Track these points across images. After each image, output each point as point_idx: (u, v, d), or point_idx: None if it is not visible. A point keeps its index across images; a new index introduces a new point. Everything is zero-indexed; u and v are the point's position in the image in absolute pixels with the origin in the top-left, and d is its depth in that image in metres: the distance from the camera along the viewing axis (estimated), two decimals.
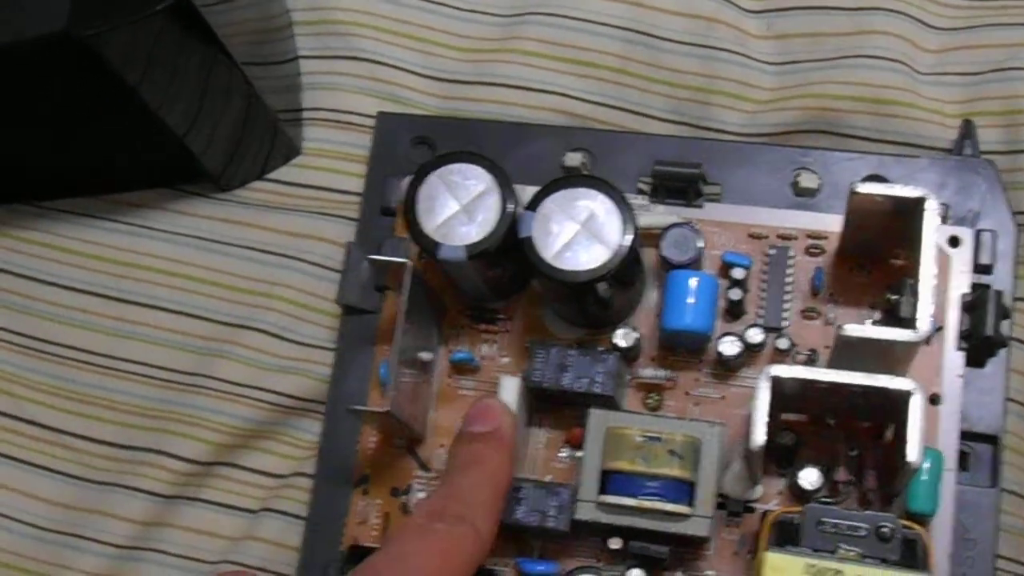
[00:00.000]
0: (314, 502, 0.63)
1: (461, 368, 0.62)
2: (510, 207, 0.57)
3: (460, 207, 0.57)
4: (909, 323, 0.53)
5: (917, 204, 0.54)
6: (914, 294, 0.54)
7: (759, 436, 0.52)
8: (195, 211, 0.69)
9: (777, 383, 0.53)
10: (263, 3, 0.68)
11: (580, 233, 0.56)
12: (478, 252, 0.57)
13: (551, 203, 0.57)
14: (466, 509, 0.55)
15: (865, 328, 0.53)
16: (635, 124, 0.68)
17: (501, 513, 0.57)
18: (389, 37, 0.70)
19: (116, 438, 0.67)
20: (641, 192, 0.63)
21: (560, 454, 0.61)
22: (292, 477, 0.66)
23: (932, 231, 0.54)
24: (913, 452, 0.51)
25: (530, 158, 0.64)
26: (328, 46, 0.70)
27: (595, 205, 0.56)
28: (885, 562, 0.53)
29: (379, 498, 0.62)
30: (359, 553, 0.60)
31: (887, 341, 0.53)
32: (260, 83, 0.66)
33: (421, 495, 0.62)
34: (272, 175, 0.70)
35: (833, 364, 0.57)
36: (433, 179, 0.58)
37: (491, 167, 0.58)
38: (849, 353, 0.55)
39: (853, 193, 0.55)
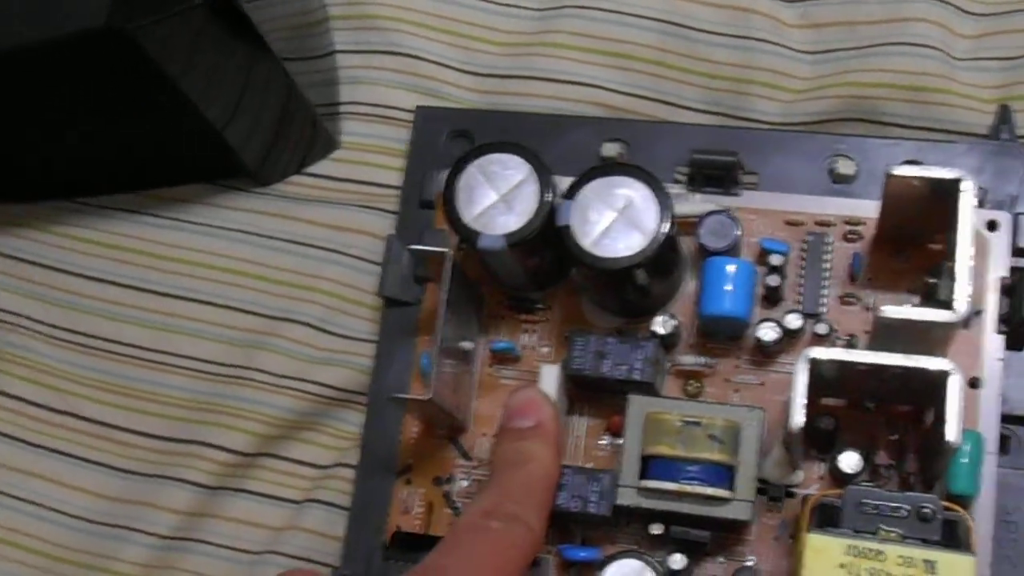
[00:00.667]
0: (357, 492, 0.63)
1: (502, 357, 0.63)
2: (548, 196, 0.57)
3: (499, 197, 0.58)
4: (947, 306, 0.53)
5: (953, 186, 0.54)
6: (952, 277, 0.54)
7: (798, 418, 0.53)
8: (235, 205, 0.70)
9: (816, 366, 0.53)
10: None
11: (618, 221, 0.56)
12: (517, 241, 0.57)
13: (589, 191, 0.57)
14: (519, 508, 0.56)
15: (903, 309, 0.53)
16: (672, 115, 0.68)
17: (551, 508, 0.58)
18: (426, 32, 0.70)
19: (161, 431, 0.68)
20: (678, 181, 0.63)
21: (600, 442, 0.61)
22: (335, 468, 0.66)
23: (969, 212, 0.54)
24: (952, 432, 0.52)
25: (567, 149, 0.64)
26: (366, 41, 0.71)
27: (632, 193, 0.57)
28: (927, 543, 0.53)
29: (422, 487, 0.62)
30: (403, 538, 0.60)
31: (925, 322, 0.53)
32: (299, 77, 0.67)
33: (464, 483, 0.62)
34: (311, 169, 0.70)
35: (873, 347, 0.56)
36: (471, 169, 0.58)
37: (529, 156, 0.58)
38: (888, 336, 0.55)
39: (889, 176, 0.55)
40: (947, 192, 0.55)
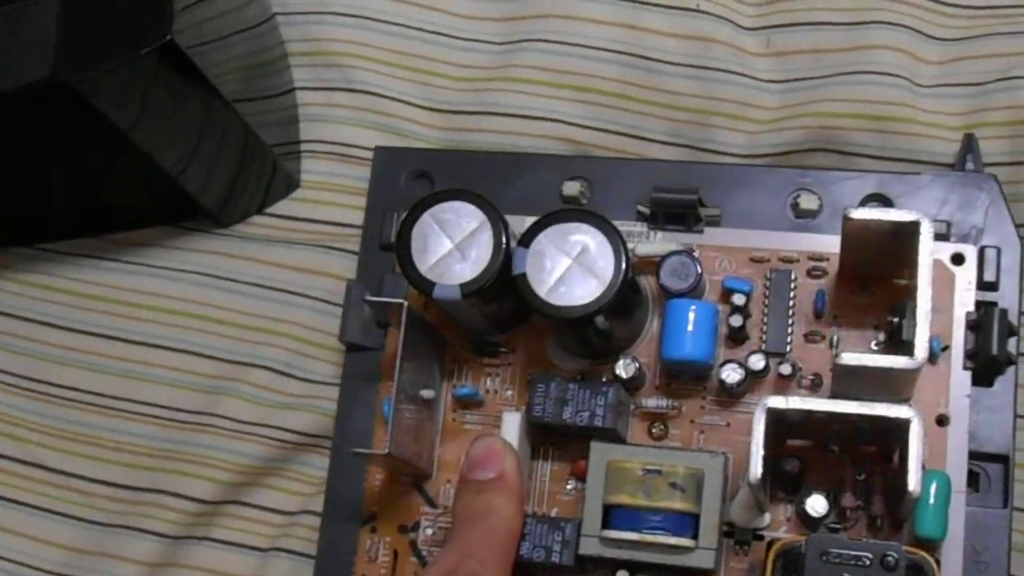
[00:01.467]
0: (323, 541, 0.62)
1: (465, 403, 0.62)
2: (503, 243, 0.56)
3: (453, 245, 0.57)
4: (909, 347, 0.53)
5: (912, 227, 0.53)
6: (914, 316, 0.53)
7: (756, 469, 0.52)
8: (196, 247, 0.69)
9: (776, 414, 0.53)
10: (256, 37, 0.68)
11: (573, 267, 0.56)
12: (472, 291, 0.56)
13: (544, 238, 0.56)
14: (479, 566, 0.55)
15: (862, 356, 0.52)
16: (636, 148, 0.67)
17: (513, 561, 0.57)
18: (386, 68, 0.70)
19: (123, 479, 0.67)
20: (641, 218, 0.62)
21: (567, 486, 0.61)
22: (300, 515, 0.65)
23: (928, 256, 0.53)
24: (913, 481, 0.51)
25: (529, 188, 0.63)
26: (325, 78, 0.70)
27: (587, 239, 0.56)
28: None
29: (387, 535, 0.62)
30: None
31: (886, 368, 0.52)
32: (255, 118, 0.66)
33: (429, 531, 0.61)
34: (272, 209, 0.70)
35: (836, 390, 0.56)
36: (426, 218, 0.57)
37: (483, 204, 0.57)
38: (850, 379, 0.54)
39: (847, 219, 0.54)
40: (907, 232, 0.54)
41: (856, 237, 0.56)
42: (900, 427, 0.52)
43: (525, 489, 0.59)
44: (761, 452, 0.52)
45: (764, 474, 0.52)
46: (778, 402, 0.52)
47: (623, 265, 0.56)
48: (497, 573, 0.55)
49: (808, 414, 0.53)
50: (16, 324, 0.70)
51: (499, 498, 0.57)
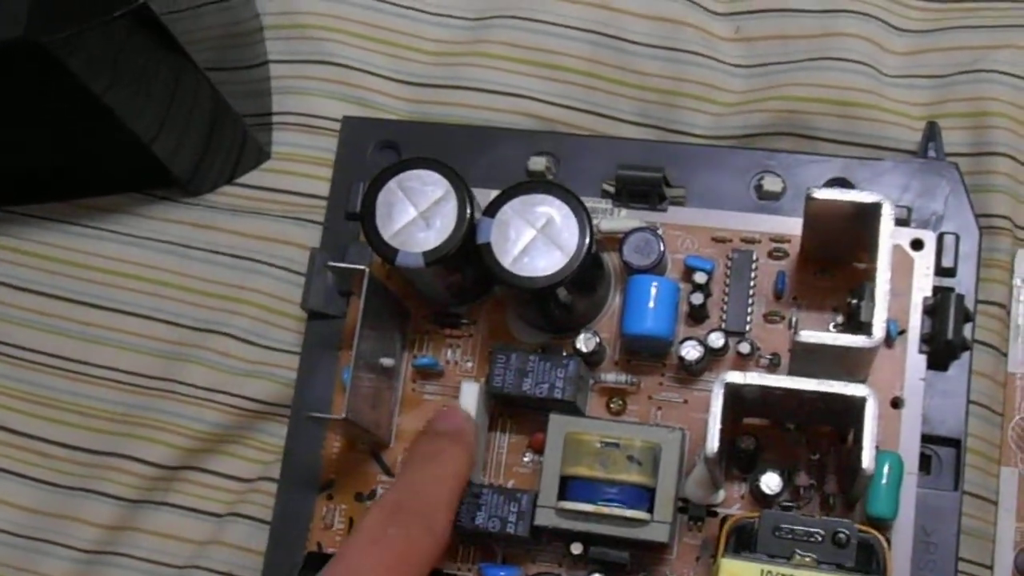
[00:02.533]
0: (278, 507, 0.62)
1: (425, 373, 0.62)
2: (467, 213, 0.57)
3: (418, 213, 0.57)
4: (868, 327, 0.53)
5: (874, 209, 0.54)
6: (873, 298, 0.53)
7: (713, 444, 0.52)
8: (164, 215, 0.69)
9: (733, 390, 0.53)
10: (231, 8, 0.68)
11: (538, 239, 0.56)
12: (436, 259, 0.57)
13: (509, 209, 0.57)
14: (423, 506, 0.55)
15: (821, 335, 0.53)
16: (603, 127, 0.68)
17: (456, 511, 0.57)
18: (358, 41, 0.70)
19: (83, 443, 0.68)
20: (606, 195, 0.63)
21: (524, 459, 0.61)
22: (258, 481, 0.66)
23: (888, 237, 0.53)
24: (867, 459, 0.51)
25: (495, 162, 0.64)
26: (297, 50, 0.70)
27: (553, 211, 0.56)
28: (841, 568, 0.53)
29: (344, 503, 0.62)
30: (316, 559, 0.60)
31: (843, 347, 0.53)
32: (227, 88, 0.66)
33: None
34: (242, 179, 0.70)
35: (794, 369, 0.56)
36: (391, 185, 0.58)
37: (448, 173, 0.57)
38: (809, 358, 0.54)
39: (810, 199, 0.55)
40: (868, 215, 0.54)
41: (818, 218, 0.56)
42: (855, 406, 0.53)
43: (479, 457, 0.60)
44: (718, 426, 0.52)
45: (720, 450, 0.53)
46: (736, 377, 0.53)
47: (587, 238, 0.56)
48: (440, 518, 0.55)
49: (765, 391, 0.54)
50: None
51: (453, 446, 0.58)
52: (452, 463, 0.57)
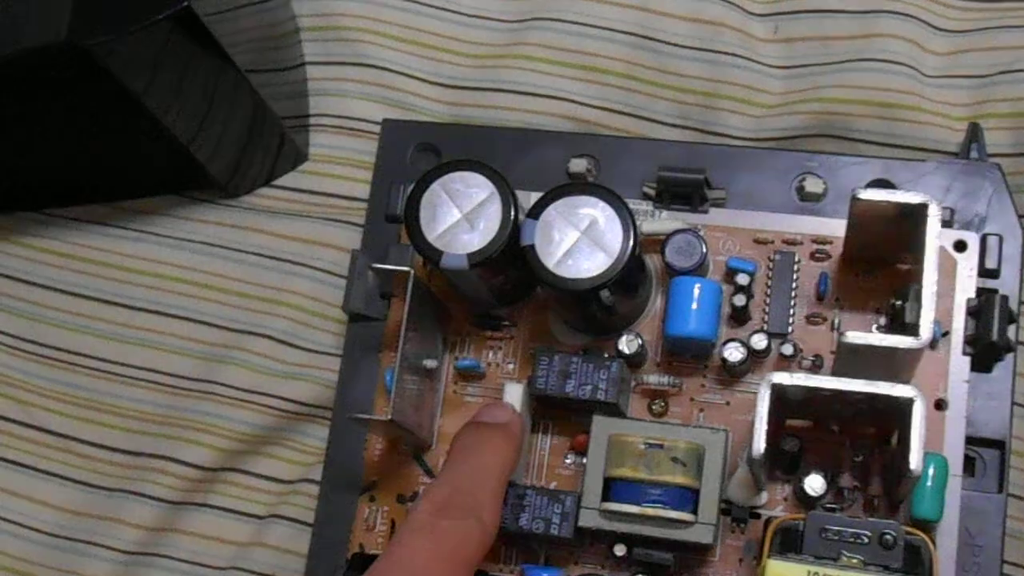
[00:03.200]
0: (320, 509, 0.62)
1: (467, 375, 0.62)
2: (511, 215, 0.57)
3: (462, 215, 0.57)
4: (913, 328, 0.53)
5: (920, 210, 0.54)
6: (918, 300, 0.53)
7: (760, 444, 0.52)
8: (203, 217, 0.70)
9: (779, 390, 0.53)
10: (269, 10, 0.68)
11: (582, 241, 0.56)
12: (480, 261, 0.57)
13: (553, 211, 0.56)
14: (471, 500, 0.54)
15: (867, 335, 0.53)
16: (642, 129, 0.68)
17: (501, 503, 0.57)
18: (395, 43, 0.70)
19: (124, 444, 0.68)
20: (647, 197, 0.63)
21: (566, 460, 0.61)
22: (299, 483, 0.66)
23: (935, 237, 0.53)
24: (915, 460, 0.51)
25: (535, 164, 0.64)
26: (335, 52, 0.70)
27: (596, 212, 0.56)
28: (888, 569, 0.53)
29: (385, 505, 0.62)
30: (361, 560, 0.60)
31: (890, 348, 0.53)
32: (266, 90, 0.66)
33: None
34: (279, 181, 0.70)
35: (837, 370, 0.56)
36: (435, 187, 0.58)
37: (493, 175, 0.57)
38: (853, 359, 0.54)
39: (855, 199, 0.55)
40: (914, 215, 0.54)
41: (862, 219, 0.56)
42: (902, 407, 0.52)
43: (524, 455, 0.60)
44: (765, 427, 0.52)
45: (765, 452, 0.53)
46: (783, 378, 0.53)
47: (631, 239, 0.56)
48: (487, 509, 0.55)
49: (810, 392, 0.53)
50: (22, 288, 0.70)
51: (498, 437, 0.57)
52: (499, 454, 0.57)
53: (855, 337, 0.52)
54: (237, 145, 0.67)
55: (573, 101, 0.68)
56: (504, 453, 0.57)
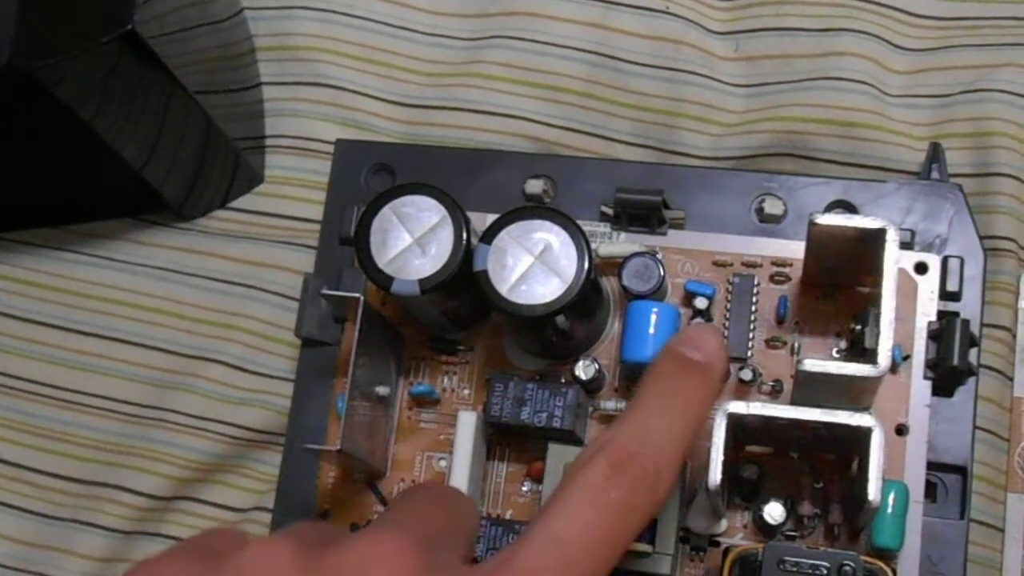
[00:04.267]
0: None
1: (421, 401, 0.61)
2: (463, 239, 0.56)
3: (413, 240, 0.56)
4: (872, 355, 0.52)
5: (879, 234, 0.53)
6: (877, 324, 0.53)
7: (716, 475, 0.51)
8: (156, 241, 0.69)
9: (736, 419, 0.52)
10: (223, 31, 0.67)
11: (536, 266, 0.55)
12: (432, 286, 0.56)
13: (506, 235, 0.56)
14: (652, 463, 0.47)
15: (825, 363, 0.52)
16: (601, 148, 0.67)
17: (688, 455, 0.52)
18: (351, 62, 0.69)
19: (75, 473, 0.67)
20: (605, 218, 0.62)
21: (522, 488, 0.60)
22: (252, 511, 0.65)
23: (893, 263, 0.53)
24: (873, 491, 0.50)
25: (492, 185, 0.63)
26: (290, 72, 0.69)
27: (551, 237, 0.55)
28: None
29: None
30: None
31: (848, 376, 0.52)
32: (218, 111, 0.65)
33: None
34: (235, 204, 0.69)
35: (797, 397, 0.55)
36: (386, 211, 0.57)
37: (444, 198, 0.56)
38: (812, 386, 0.54)
39: (813, 224, 0.54)
40: (873, 239, 0.53)
41: (821, 243, 0.55)
42: (861, 436, 0.52)
43: (481, 487, 0.59)
44: (721, 457, 0.51)
45: (723, 481, 0.52)
46: (739, 407, 0.52)
47: (586, 264, 0.55)
48: (669, 478, 0.48)
49: (768, 420, 0.53)
50: None
51: (697, 382, 0.50)
52: (694, 407, 0.50)
53: (813, 365, 0.52)
54: (190, 168, 0.66)
55: (531, 120, 0.67)
56: (700, 406, 0.50)
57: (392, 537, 0.43)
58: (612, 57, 0.67)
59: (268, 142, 0.69)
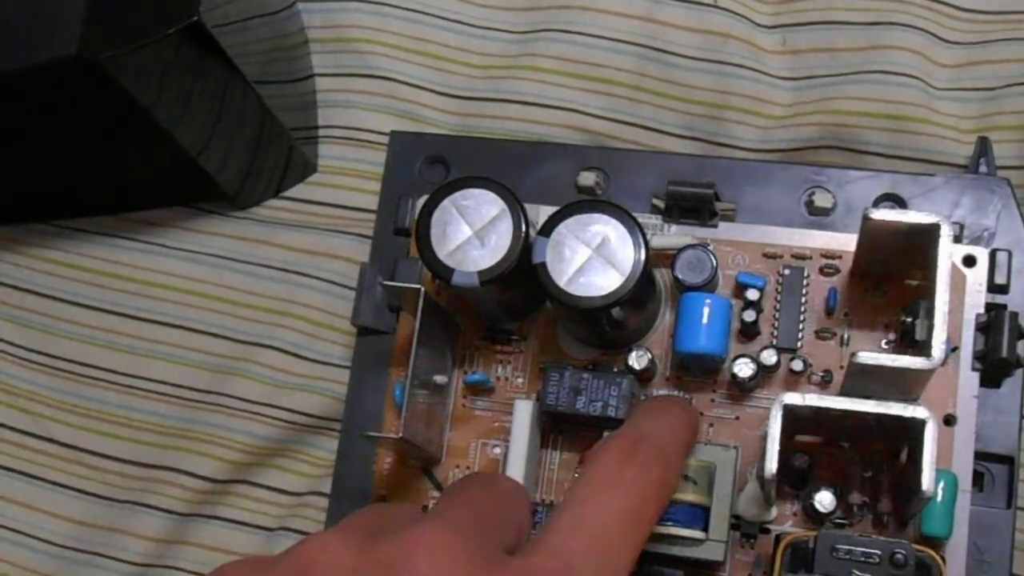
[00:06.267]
0: (330, 522, 0.62)
1: (476, 389, 0.62)
2: (522, 232, 0.57)
3: (472, 232, 0.57)
4: (923, 345, 0.53)
5: (932, 230, 0.54)
6: (928, 317, 0.53)
7: (771, 465, 0.52)
8: (211, 229, 0.70)
9: (790, 410, 0.53)
10: (278, 22, 0.68)
11: (593, 258, 0.56)
12: (491, 278, 0.57)
13: (564, 228, 0.56)
14: (659, 448, 0.50)
15: (879, 356, 0.53)
16: (649, 140, 0.68)
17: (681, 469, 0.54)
18: (404, 54, 0.70)
19: (134, 456, 0.68)
20: (656, 210, 0.63)
21: (576, 475, 0.61)
22: (308, 496, 0.66)
23: (947, 258, 0.53)
24: (927, 482, 0.51)
25: (544, 177, 0.64)
26: (343, 64, 0.70)
27: (608, 230, 0.56)
28: None
29: None
30: None
31: (901, 368, 0.53)
32: (274, 102, 0.66)
33: None
34: (288, 193, 0.70)
35: (847, 387, 0.56)
36: (446, 204, 0.57)
37: (503, 192, 0.57)
38: (863, 377, 0.54)
39: (866, 219, 0.55)
40: (925, 234, 0.54)
41: (873, 237, 0.56)
42: (914, 427, 0.53)
43: (536, 474, 0.60)
44: (776, 448, 0.52)
45: (776, 471, 0.53)
46: (795, 399, 0.53)
47: (643, 257, 0.56)
48: (678, 462, 0.52)
49: (821, 411, 0.53)
50: (31, 299, 0.70)
51: (682, 404, 0.56)
52: (686, 415, 0.55)
53: (867, 357, 0.53)
54: (246, 157, 0.67)
55: (581, 112, 0.68)
56: (691, 417, 0.55)
57: (438, 528, 0.44)
58: (661, 50, 0.68)
59: (321, 132, 0.70)
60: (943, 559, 0.55)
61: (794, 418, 0.54)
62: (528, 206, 0.59)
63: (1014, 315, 0.58)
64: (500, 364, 0.63)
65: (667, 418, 0.53)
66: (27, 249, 0.70)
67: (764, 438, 0.53)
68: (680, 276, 0.60)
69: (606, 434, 0.57)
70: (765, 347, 0.60)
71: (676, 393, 0.60)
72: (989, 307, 0.60)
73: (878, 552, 0.54)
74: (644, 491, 0.49)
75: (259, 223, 0.69)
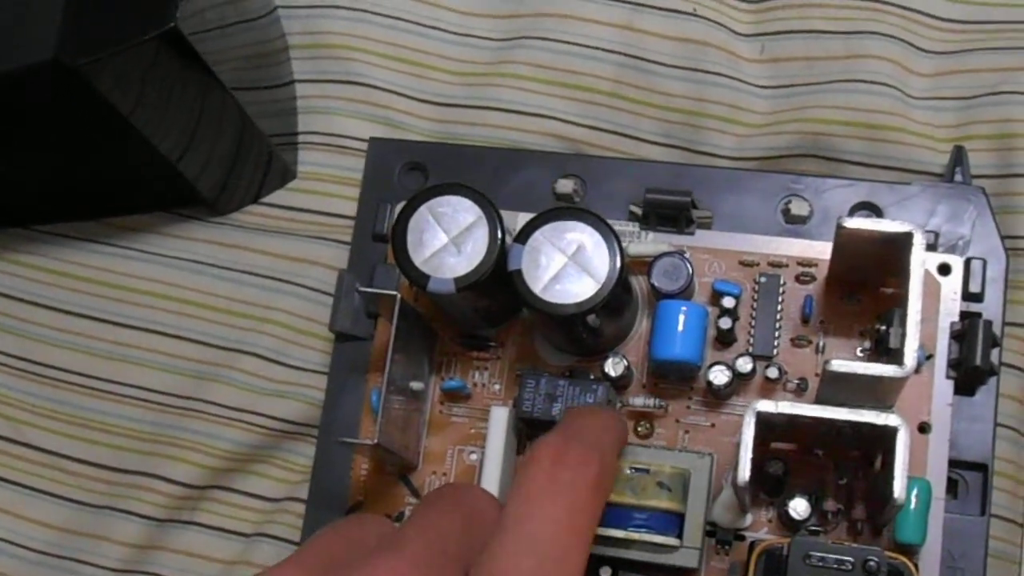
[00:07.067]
0: (307, 528, 0.63)
1: (453, 396, 0.62)
2: (498, 240, 0.57)
3: (449, 239, 0.57)
4: (897, 353, 0.53)
5: (905, 238, 0.54)
6: (902, 324, 0.54)
7: (744, 472, 0.52)
8: (191, 235, 0.70)
9: (763, 418, 0.53)
10: (258, 29, 0.68)
11: (568, 265, 0.56)
12: (467, 285, 0.57)
13: (540, 236, 0.57)
14: (594, 438, 0.49)
15: (852, 364, 0.53)
16: (628, 148, 0.68)
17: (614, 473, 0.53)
18: (383, 61, 0.70)
19: (111, 462, 0.68)
20: (633, 217, 0.63)
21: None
22: (285, 501, 0.66)
23: (920, 266, 0.54)
24: (899, 489, 0.52)
25: (522, 184, 0.64)
26: (323, 70, 0.70)
27: (583, 237, 0.57)
28: None
29: None
30: None
31: (874, 376, 0.53)
32: (254, 108, 0.66)
33: None
34: (267, 199, 0.70)
35: (822, 395, 0.56)
36: (422, 211, 0.58)
37: (480, 199, 0.58)
38: (837, 385, 0.55)
39: (840, 227, 0.55)
40: (898, 242, 0.55)
41: (847, 245, 0.56)
42: (886, 434, 0.53)
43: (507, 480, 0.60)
44: (750, 455, 0.52)
45: (750, 478, 0.53)
46: (768, 407, 0.53)
47: (618, 264, 0.56)
48: (612, 456, 0.51)
49: (795, 418, 0.54)
50: (8, 304, 0.70)
51: (607, 410, 0.57)
52: (613, 416, 0.55)
53: (840, 365, 0.53)
54: (225, 163, 0.68)
55: (559, 119, 0.68)
56: (618, 416, 0.56)
57: (393, 565, 0.44)
58: (639, 58, 0.68)
59: (301, 139, 0.70)
60: (916, 566, 0.55)
61: (768, 426, 0.54)
62: (506, 213, 0.59)
63: (988, 323, 0.59)
64: (477, 371, 0.63)
65: (594, 417, 0.52)
66: (5, 254, 0.70)
67: (739, 446, 0.53)
68: (656, 283, 0.60)
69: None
70: (741, 354, 0.60)
71: (652, 400, 0.60)
72: (964, 315, 0.60)
73: (851, 559, 0.54)
74: (582, 493, 0.47)
75: (238, 229, 0.69)
